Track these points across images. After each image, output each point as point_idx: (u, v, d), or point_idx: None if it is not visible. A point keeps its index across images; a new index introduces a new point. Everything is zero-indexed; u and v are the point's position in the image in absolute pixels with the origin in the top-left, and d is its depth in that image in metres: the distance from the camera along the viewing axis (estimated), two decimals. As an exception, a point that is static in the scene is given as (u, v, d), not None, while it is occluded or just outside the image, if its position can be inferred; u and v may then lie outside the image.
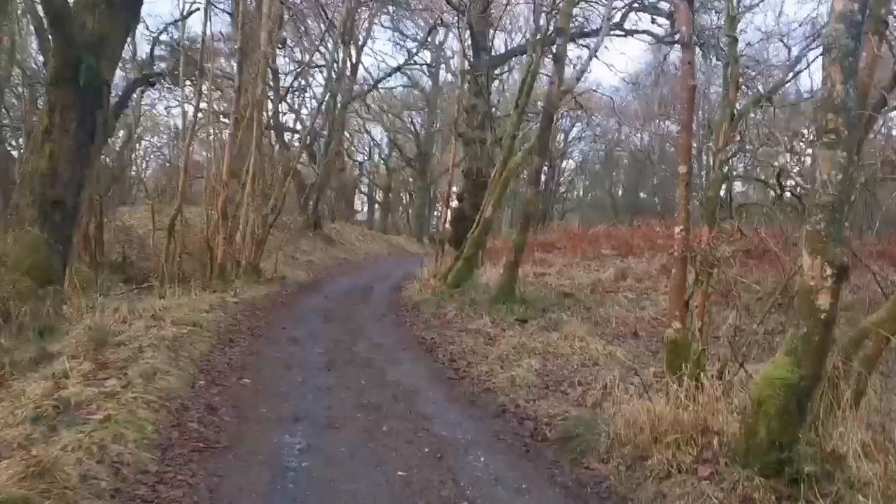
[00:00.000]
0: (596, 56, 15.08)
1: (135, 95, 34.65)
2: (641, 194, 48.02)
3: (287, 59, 32.56)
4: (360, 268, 26.54)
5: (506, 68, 26.34)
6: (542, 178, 29.32)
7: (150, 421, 6.05)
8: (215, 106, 28.31)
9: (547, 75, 19.46)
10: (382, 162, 47.61)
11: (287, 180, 18.93)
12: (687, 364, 6.19)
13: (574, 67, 22.13)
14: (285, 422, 6.54)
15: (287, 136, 32.44)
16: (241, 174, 19.16)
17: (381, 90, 39.35)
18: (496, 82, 21.61)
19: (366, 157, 46.04)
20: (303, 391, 7.71)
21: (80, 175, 11.64)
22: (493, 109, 21.36)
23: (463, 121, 21.74)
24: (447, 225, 21.73)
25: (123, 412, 6.03)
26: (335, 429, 6.41)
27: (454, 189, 22.31)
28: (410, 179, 50.07)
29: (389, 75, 35.19)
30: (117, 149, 35.10)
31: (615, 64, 39.50)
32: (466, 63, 22.28)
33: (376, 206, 54.76)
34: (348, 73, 32.39)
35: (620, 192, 48.26)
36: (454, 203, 21.99)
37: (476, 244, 14.95)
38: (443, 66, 38.51)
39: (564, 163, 44.57)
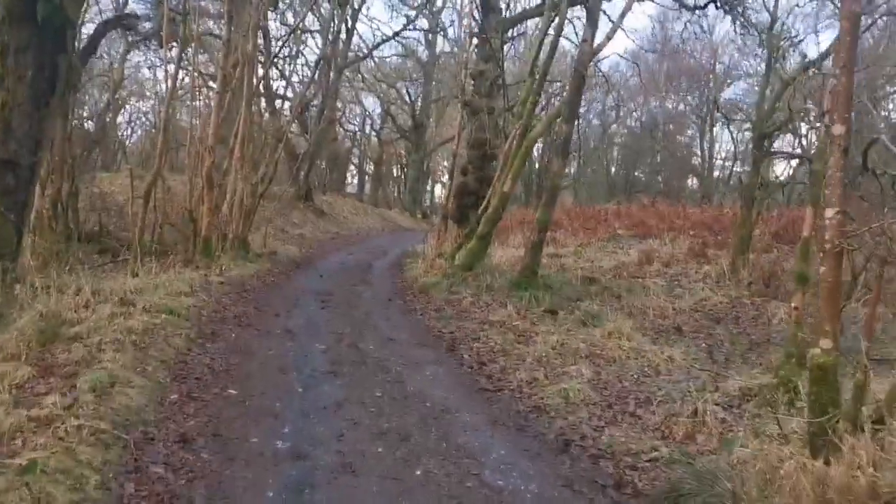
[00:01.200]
0: (630, 10, 13.12)
1: (117, 54, 32.59)
2: (636, 173, 46.32)
3: (278, 24, 30.32)
4: (354, 243, 24.64)
5: (516, 31, 24.13)
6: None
7: (96, 466, 4.22)
8: (202, 69, 26.28)
9: (565, 39, 17.56)
10: (374, 133, 45.50)
11: (280, 147, 16.96)
12: (835, 396, 4.42)
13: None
14: (283, 461, 4.74)
15: (277, 103, 30.40)
16: (228, 140, 17.21)
17: (375, 59, 37.26)
18: (506, 47, 19.51)
19: (358, 128, 43.87)
20: (304, 408, 5.90)
21: (39, 130, 9.62)
22: (503, 76, 19.33)
23: (469, 88, 19.78)
24: (449, 200, 19.85)
25: (59, 453, 4.20)
26: (351, 474, 4.62)
27: (456, 162, 20.38)
28: (403, 152, 47.99)
29: (386, 41, 33.11)
30: (99, 111, 33.10)
31: (617, 37, 37.33)
32: (474, 25, 20.27)
33: (367, 178, 52.74)
34: (343, 37, 30.28)
35: (613, 171, 46.39)
36: (458, 177, 20.09)
37: (492, 221, 13.13)
38: (440, 33, 36.34)
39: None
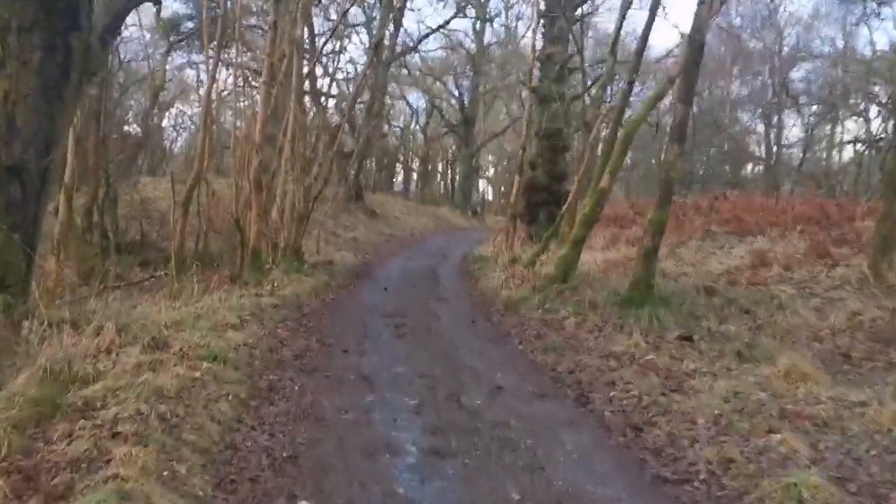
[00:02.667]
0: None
1: (158, 56, 30.90)
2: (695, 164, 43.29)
3: (322, 18, 28.26)
4: (410, 245, 22.51)
5: (587, 9, 21.65)
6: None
7: None
8: (246, 67, 24.41)
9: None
10: (420, 129, 43.29)
11: (336, 142, 14.83)
12: None
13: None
14: None
15: (322, 101, 28.40)
16: (276, 139, 15.19)
17: (421, 52, 35.07)
18: (576, 26, 17.14)
19: (407, 124, 41.69)
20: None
21: (50, 127, 7.66)
22: (575, 57, 16.97)
23: (537, 73, 17.46)
24: (517, 197, 17.58)
25: None
26: None
27: (525, 155, 18.06)
28: (452, 147, 45.77)
29: (432, 32, 30.90)
30: (143, 114, 31.46)
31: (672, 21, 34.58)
32: (541, 2, 17.92)
33: (412, 176, 50.66)
34: (390, 28, 28.12)
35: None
36: (527, 171, 17.79)
37: (587, 223, 10.81)
38: (489, 22, 34.01)
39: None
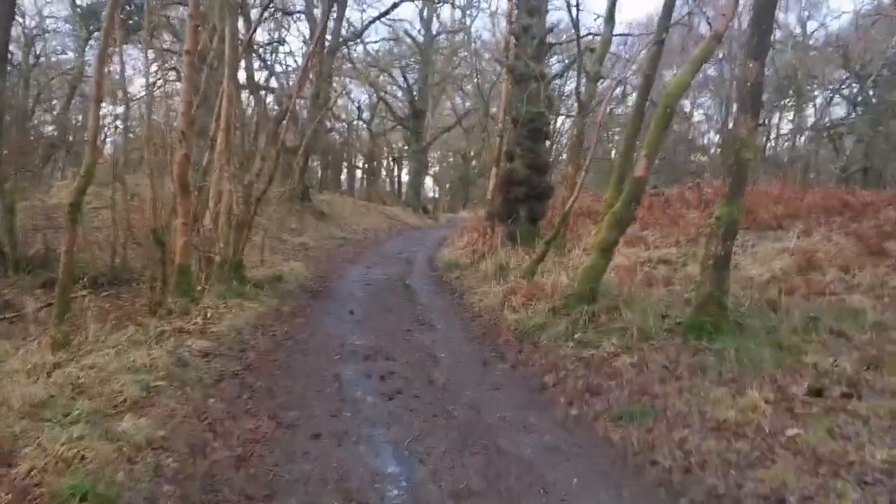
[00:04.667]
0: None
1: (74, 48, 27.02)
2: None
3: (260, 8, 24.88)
4: (366, 249, 19.42)
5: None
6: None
7: None
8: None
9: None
10: (364, 125, 39.97)
11: (282, 134, 11.61)
12: None
13: None
14: None
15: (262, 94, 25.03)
16: (206, 131, 12.09)
17: (364, 43, 31.87)
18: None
19: (354, 119, 38.22)
20: None
21: None
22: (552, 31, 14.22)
23: (513, 49, 14.61)
24: (494, 192, 14.75)
25: None
26: None
27: (502, 144, 15.15)
28: (399, 144, 42.75)
29: (377, 19, 27.74)
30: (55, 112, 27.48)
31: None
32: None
33: (356, 174, 47.32)
34: (334, 15, 24.93)
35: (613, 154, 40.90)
36: (503, 163, 14.94)
37: (620, 224, 7.95)
38: (437, 5, 31.10)
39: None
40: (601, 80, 13.46)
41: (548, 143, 15.53)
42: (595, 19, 12.53)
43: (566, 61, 15.58)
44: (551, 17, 15.21)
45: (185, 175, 9.55)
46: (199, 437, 4.60)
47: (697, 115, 41.34)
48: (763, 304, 7.94)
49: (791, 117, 31.83)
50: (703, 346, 6.53)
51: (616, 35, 12.78)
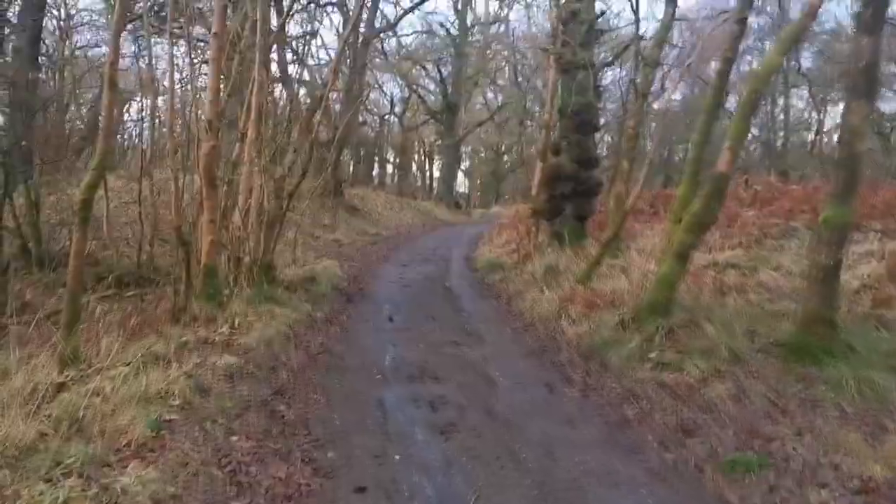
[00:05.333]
0: None
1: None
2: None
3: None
4: (400, 246, 18.50)
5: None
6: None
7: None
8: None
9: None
10: (396, 119, 39.01)
11: (316, 127, 10.68)
12: None
13: None
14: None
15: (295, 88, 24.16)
16: (235, 122, 11.30)
17: (398, 35, 30.91)
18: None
19: (386, 113, 37.29)
20: None
21: None
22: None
23: (560, 36, 13.52)
24: (538, 189, 13.71)
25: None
26: None
27: (548, 138, 14.07)
28: (431, 138, 41.79)
29: (414, 7, 26.76)
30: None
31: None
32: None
33: (387, 168, 46.41)
34: (368, 4, 24.02)
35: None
36: (549, 157, 13.89)
37: (699, 227, 6.87)
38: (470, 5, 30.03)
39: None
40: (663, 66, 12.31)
41: (596, 135, 14.42)
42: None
43: (613, 50, 14.42)
44: (600, 2, 14.09)
45: (213, 168, 8.68)
46: (218, 492, 3.68)
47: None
48: (865, 319, 6.85)
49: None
50: (811, 372, 5.47)
51: (678, 20, 11.58)
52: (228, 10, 13.41)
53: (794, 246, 11.14)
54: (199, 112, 10.36)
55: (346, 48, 23.47)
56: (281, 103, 20.08)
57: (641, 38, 13.76)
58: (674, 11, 10.89)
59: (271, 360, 6.36)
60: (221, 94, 8.69)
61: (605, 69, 14.51)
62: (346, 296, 10.39)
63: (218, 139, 8.66)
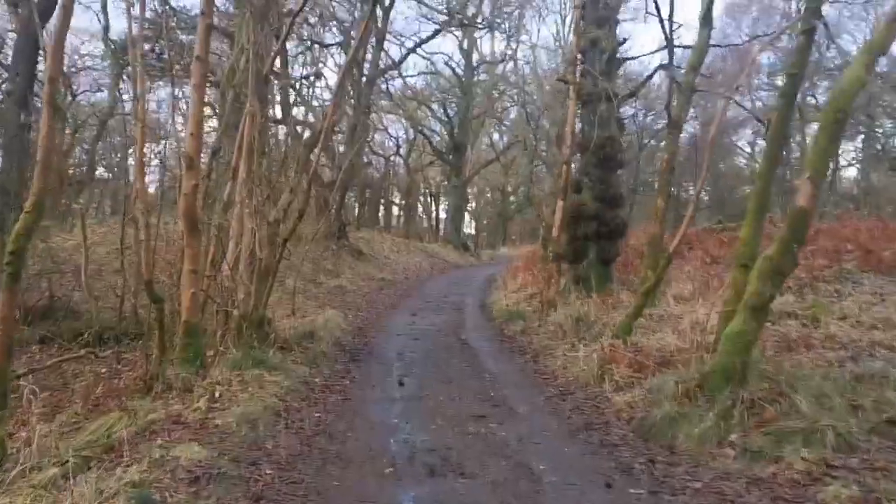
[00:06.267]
0: None
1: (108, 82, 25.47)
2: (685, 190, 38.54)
3: (296, 40, 23.07)
4: (409, 292, 17.19)
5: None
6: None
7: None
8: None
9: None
10: (402, 160, 37.97)
11: (313, 164, 9.40)
12: None
13: None
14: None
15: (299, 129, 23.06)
16: (226, 154, 10.21)
17: (403, 75, 29.98)
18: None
19: (391, 154, 36.21)
20: None
21: None
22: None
23: (578, 65, 12.37)
24: (559, 230, 12.40)
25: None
26: None
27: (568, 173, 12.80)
28: (437, 179, 40.76)
29: (420, 45, 25.83)
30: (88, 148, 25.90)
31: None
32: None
33: (393, 210, 45.24)
34: (373, 41, 23.10)
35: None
36: (569, 195, 12.62)
37: (778, 273, 5.52)
38: (479, 35, 29.14)
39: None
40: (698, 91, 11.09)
41: (620, 172, 13.20)
42: (677, 28, 10.12)
43: (629, 84, 13.28)
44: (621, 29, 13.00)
45: (194, 211, 7.42)
46: None
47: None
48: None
49: (858, 145, 29.13)
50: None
51: (713, 45, 10.39)
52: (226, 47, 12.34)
53: (852, 291, 9.78)
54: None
55: (351, 87, 22.52)
56: (280, 139, 19.03)
57: (666, 66, 12.65)
58: (709, 34, 9.71)
59: (253, 450, 4.98)
60: (207, 126, 7.46)
61: (631, 99, 13.26)
62: (349, 353, 9.01)
63: (198, 177, 7.42)
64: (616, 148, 12.53)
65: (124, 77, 24.34)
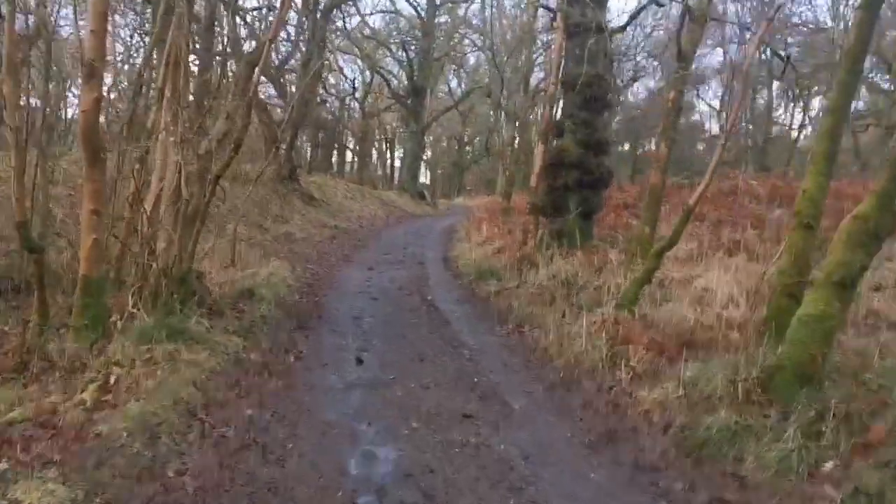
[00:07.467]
0: None
1: None
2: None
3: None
4: (365, 243, 15.45)
5: None
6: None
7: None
8: None
9: None
10: (357, 104, 35.51)
11: (254, 82, 7.48)
12: None
13: None
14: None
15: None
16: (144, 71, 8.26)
17: (361, 15, 27.48)
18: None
19: (347, 96, 33.68)
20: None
21: None
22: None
23: (566, -5, 10.58)
24: (538, 178, 10.79)
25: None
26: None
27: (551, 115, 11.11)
28: (394, 124, 38.60)
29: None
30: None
31: None
32: None
33: (347, 155, 42.82)
34: (328, -29, 20.68)
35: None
36: (550, 139, 10.97)
37: (873, 238, 4.08)
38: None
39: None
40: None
41: (606, 113, 11.60)
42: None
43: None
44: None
45: (96, 133, 5.56)
46: None
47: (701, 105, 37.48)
48: None
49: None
50: None
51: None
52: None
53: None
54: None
55: (305, 18, 20.21)
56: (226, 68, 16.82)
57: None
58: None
59: (145, 482, 3.29)
60: (105, 17, 5.49)
61: (624, 32, 11.59)
62: (296, 318, 7.28)
63: (100, 88, 5.51)
64: (604, 87, 10.87)
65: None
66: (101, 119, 7.01)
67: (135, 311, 5.94)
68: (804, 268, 4.86)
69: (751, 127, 27.83)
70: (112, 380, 4.56)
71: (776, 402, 4.03)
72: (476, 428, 4.33)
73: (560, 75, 10.75)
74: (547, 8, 11.12)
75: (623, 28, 11.83)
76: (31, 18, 9.63)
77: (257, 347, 5.87)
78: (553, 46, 10.47)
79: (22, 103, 8.01)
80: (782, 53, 7.84)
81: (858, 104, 26.10)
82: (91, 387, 4.42)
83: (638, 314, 6.29)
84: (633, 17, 11.71)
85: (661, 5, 11.67)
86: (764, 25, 7.34)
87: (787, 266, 4.92)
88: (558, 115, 11.23)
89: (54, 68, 14.45)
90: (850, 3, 25.61)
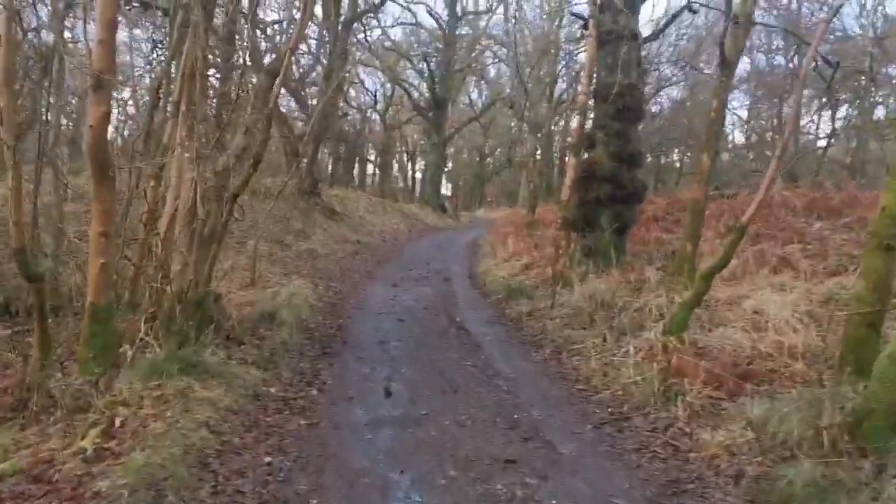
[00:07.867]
0: None
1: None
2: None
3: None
4: (389, 258, 15.00)
5: None
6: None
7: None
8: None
9: None
10: (378, 116, 35.21)
11: (276, 90, 7.06)
12: None
13: None
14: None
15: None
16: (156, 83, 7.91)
17: (382, 27, 27.22)
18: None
19: (368, 108, 33.39)
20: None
21: None
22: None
23: (597, 3, 10.11)
24: (570, 192, 10.28)
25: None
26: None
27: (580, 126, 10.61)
28: (414, 136, 38.25)
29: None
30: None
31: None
32: None
33: (367, 168, 42.51)
34: (350, -16, 20.41)
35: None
36: (575, 155, 10.46)
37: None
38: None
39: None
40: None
41: (640, 125, 11.09)
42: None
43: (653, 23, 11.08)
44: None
45: (104, 149, 5.17)
46: None
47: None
48: None
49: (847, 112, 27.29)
50: None
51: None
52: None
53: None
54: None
55: (327, 30, 19.94)
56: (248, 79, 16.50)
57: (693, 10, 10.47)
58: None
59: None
60: (115, 24, 5.09)
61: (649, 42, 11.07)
62: (319, 343, 6.83)
63: (108, 101, 5.11)
64: (637, 97, 10.36)
65: None
66: (124, 134, 6.64)
67: (147, 338, 5.53)
68: (885, 294, 4.30)
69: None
70: (117, 422, 4.12)
71: (868, 451, 3.48)
72: (521, 476, 3.82)
73: (591, 85, 10.27)
74: (578, 16, 10.64)
75: (656, 36, 11.34)
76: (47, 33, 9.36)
77: (278, 379, 5.41)
78: (583, 55, 9.90)
79: (35, 118, 7.61)
80: (830, 59, 7.28)
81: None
82: (92, 432, 3.97)
83: (688, 341, 5.74)
84: (668, 23, 11.21)
85: (693, 12, 11.12)
86: (821, 28, 6.80)
87: (864, 292, 4.37)
88: (589, 126, 10.72)
89: (75, 83, 14.28)
90: (879, 11, 25.02)
